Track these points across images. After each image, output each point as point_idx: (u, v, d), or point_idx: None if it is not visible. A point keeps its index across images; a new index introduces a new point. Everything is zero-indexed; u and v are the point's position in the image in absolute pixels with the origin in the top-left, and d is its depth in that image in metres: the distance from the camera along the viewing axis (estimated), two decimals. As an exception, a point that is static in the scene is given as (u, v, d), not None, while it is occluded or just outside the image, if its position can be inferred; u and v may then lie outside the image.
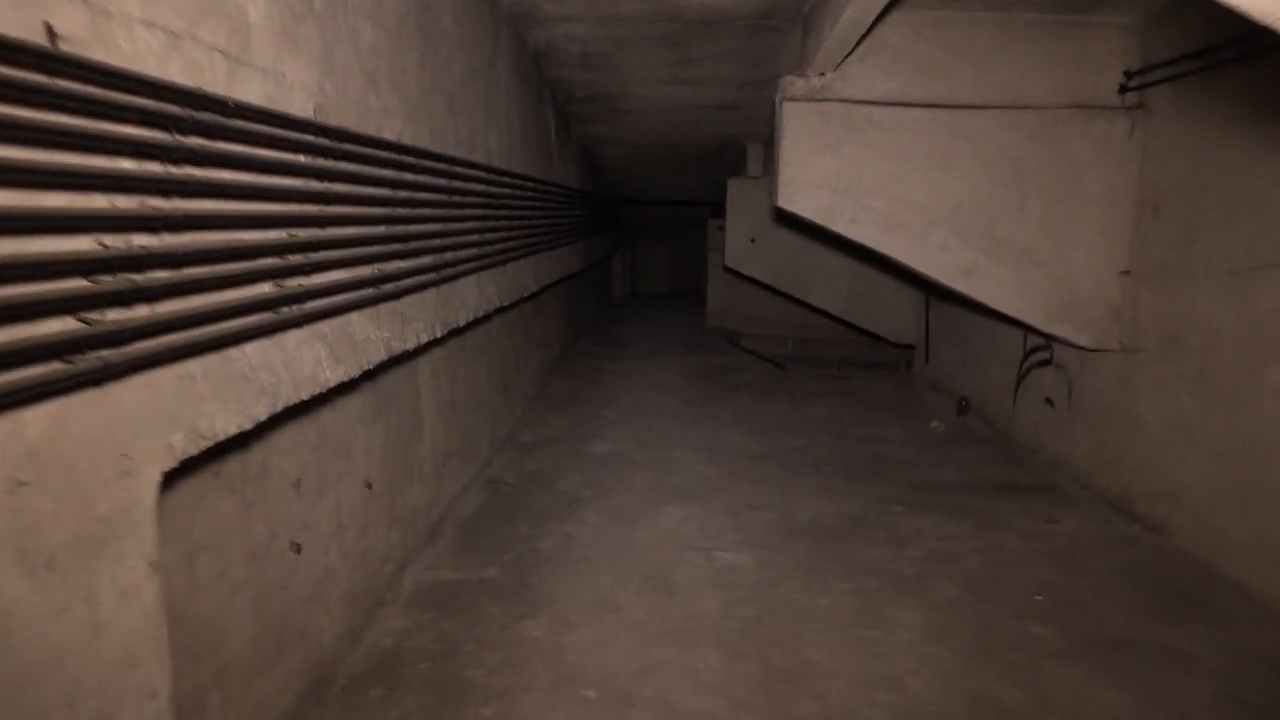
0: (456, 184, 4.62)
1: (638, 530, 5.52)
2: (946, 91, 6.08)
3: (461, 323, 4.88)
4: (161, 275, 1.99)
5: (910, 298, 11.16)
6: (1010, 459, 7.36)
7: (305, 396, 2.84)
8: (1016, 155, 6.09)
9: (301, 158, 2.78)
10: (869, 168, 6.12)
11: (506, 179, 6.02)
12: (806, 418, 8.81)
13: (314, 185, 2.87)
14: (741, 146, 11.88)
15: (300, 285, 2.75)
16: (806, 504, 6.11)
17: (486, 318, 6.10)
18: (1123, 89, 5.97)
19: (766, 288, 12.58)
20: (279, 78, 2.66)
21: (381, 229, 3.56)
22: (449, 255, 4.50)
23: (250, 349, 2.45)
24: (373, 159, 3.42)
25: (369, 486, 4.10)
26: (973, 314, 8.76)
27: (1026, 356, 7.71)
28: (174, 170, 2.05)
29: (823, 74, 6.07)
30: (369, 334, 3.47)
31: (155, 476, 2.02)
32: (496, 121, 5.79)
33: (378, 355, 3.61)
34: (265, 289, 2.55)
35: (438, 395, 5.35)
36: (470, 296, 5.09)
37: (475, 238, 5.16)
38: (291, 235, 2.70)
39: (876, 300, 11.40)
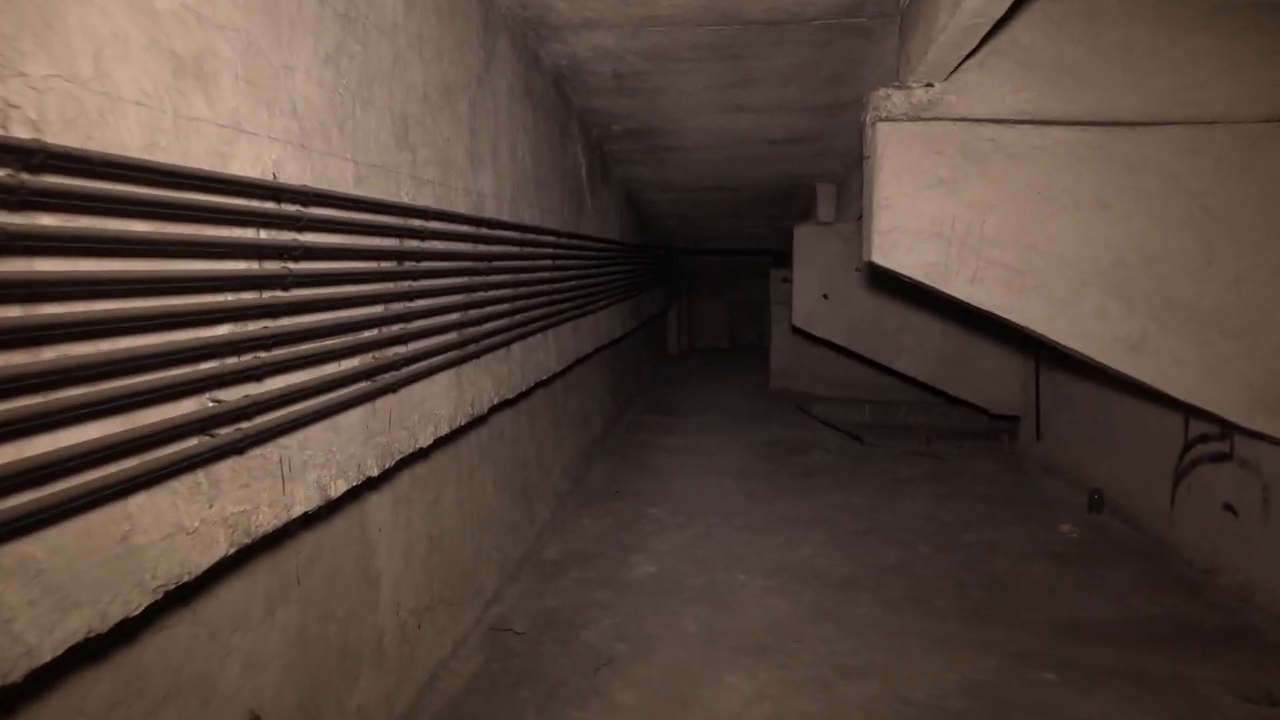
0: (411, 245, 3.16)
1: (688, 723, 3.95)
2: (1100, 105, 4.48)
3: (425, 443, 3.38)
4: None
5: (1015, 361, 9.46)
6: (1178, 583, 5.61)
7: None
8: (1199, 189, 4.46)
9: None
10: (995, 209, 4.53)
11: (508, 233, 4.55)
12: (900, 517, 7.13)
13: None
14: (810, 188, 10.34)
15: None
16: (919, 667, 4.47)
17: (479, 420, 4.60)
18: (1350, 94, 4.33)
19: (839, 347, 10.96)
20: None
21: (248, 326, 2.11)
22: (396, 351, 3.02)
23: None
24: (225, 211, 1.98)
25: (255, 723, 2.60)
26: (1105, 385, 7.05)
27: (1190, 446, 5.97)
28: None
29: (930, 85, 4.53)
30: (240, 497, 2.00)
31: None
32: (490, 158, 4.34)
33: (267, 521, 2.14)
34: None
35: (406, 535, 3.85)
36: (442, 401, 3.59)
37: (454, 317, 3.69)
38: None
39: (973, 364, 9.72)
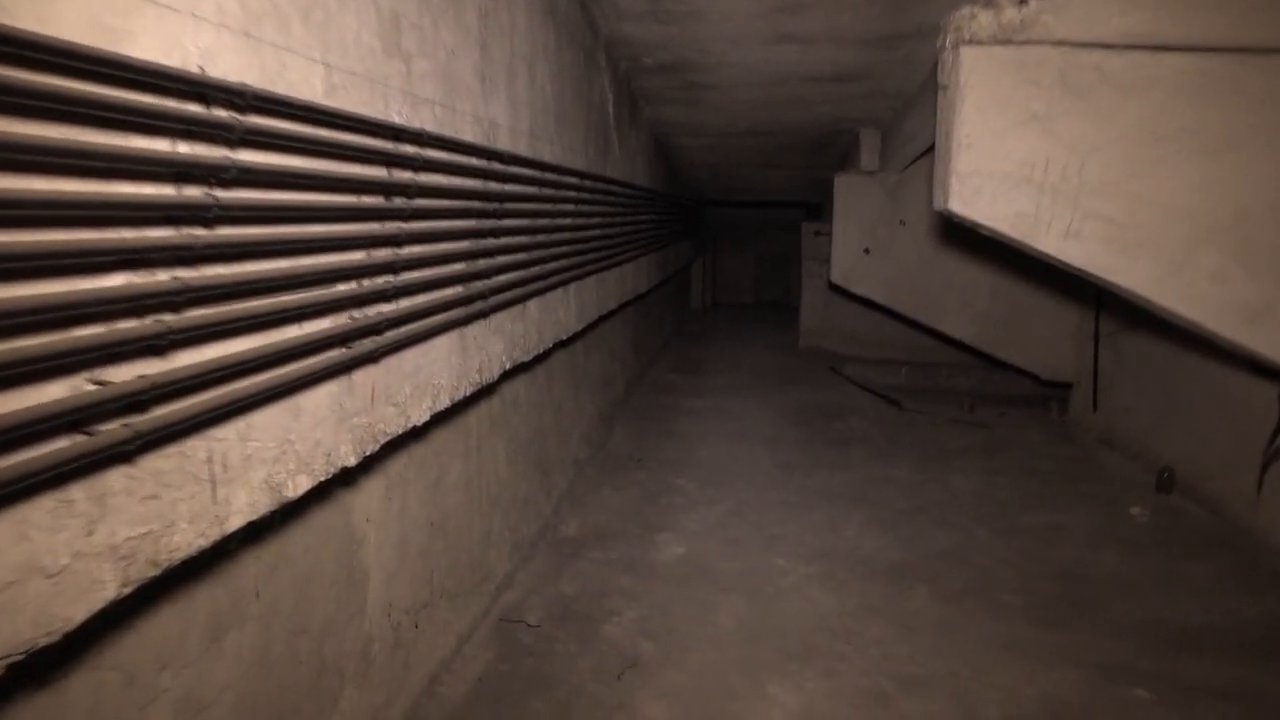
0: (402, 176, 2.53)
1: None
2: (1228, 28, 3.77)
3: (420, 420, 2.78)
4: None
5: (1068, 324, 8.78)
6: (1274, 581, 4.99)
7: None
8: (1342, 129, 3.76)
9: None
10: (1097, 152, 3.85)
11: (526, 170, 3.92)
12: (950, 494, 6.52)
13: None
14: (852, 134, 9.59)
15: None
16: (989, 678, 3.89)
17: (488, 388, 4.00)
18: None
19: (873, 304, 10.27)
20: None
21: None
22: (380, 309, 2.41)
23: None
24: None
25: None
26: (1179, 350, 6.38)
27: (1285, 424, 5.32)
28: None
29: (1024, 1, 3.83)
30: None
31: None
32: (505, 82, 3.69)
33: (188, 542, 1.56)
34: None
35: (401, 523, 3.27)
36: (442, 368, 2.99)
37: (459, 268, 3.07)
38: None
39: (1024, 326, 9.03)
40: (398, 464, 3.22)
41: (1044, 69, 3.85)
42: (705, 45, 6.10)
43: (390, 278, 2.42)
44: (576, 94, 5.15)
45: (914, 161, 8.37)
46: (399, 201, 2.50)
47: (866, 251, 9.45)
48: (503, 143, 3.64)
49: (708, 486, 6.57)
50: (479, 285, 3.21)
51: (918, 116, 6.97)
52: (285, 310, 1.92)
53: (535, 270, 4.09)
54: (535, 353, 4.23)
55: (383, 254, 2.41)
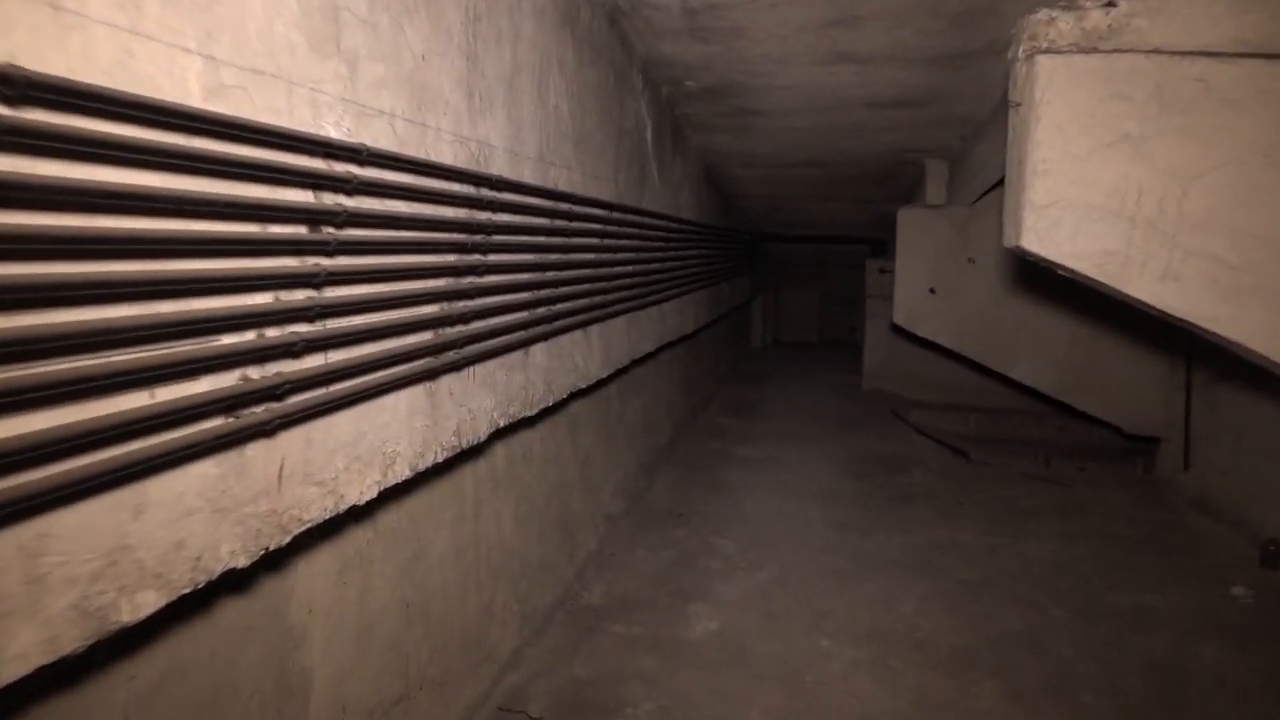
0: (332, 202, 2.05)
1: None
2: (1362, 30, 3.15)
3: (358, 498, 2.28)
4: None
5: (1156, 372, 8.02)
6: None
7: None
8: None
9: None
10: (1201, 179, 3.24)
11: (529, 199, 3.44)
12: (1023, 563, 5.83)
13: None
14: (917, 166, 8.99)
15: None
16: (1072, 810, 3.24)
17: (476, 449, 3.50)
18: None
19: (941, 346, 9.58)
20: None
21: None
22: (294, 367, 1.93)
23: None
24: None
25: None
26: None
27: None
28: None
29: (1111, 3, 3.26)
30: None
31: None
32: (503, 98, 3.21)
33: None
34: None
35: (361, 609, 2.77)
36: (399, 431, 2.49)
37: (430, 311, 2.59)
38: None
39: (1105, 374, 8.28)
40: (356, 540, 2.73)
41: (1136, 81, 3.26)
42: (751, 66, 5.60)
43: (304, 327, 1.93)
44: (604, 117, 4.68)
45: (984, 194, 7.75)
46: (327, 231, 2.02)
47: (932, 291, 8.79)
48: (498, 167, 3.16)
49: (751, 548, 5.98)
50: (453, 332, 2.72)
51: (988, 145, 6.37)
52: (138, 369, 1.45)
53: (541, 312, 3.60)
54: (542, 405, 3.72)
55: (297, 297, 1.93)
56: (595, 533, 5.71)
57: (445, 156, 2.73)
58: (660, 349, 6.99)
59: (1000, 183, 7.11)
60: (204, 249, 1.67)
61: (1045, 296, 8.34)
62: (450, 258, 2.73)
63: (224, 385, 1.72)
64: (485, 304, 2.96)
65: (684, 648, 4.48)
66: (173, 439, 1.57)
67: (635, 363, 6.11)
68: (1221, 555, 6.02)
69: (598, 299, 4.48)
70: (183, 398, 1.60)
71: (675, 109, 6.72)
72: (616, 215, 4.78)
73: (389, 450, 2.40)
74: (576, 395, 4.61)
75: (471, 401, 2.95)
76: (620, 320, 5.10)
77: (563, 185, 3.93)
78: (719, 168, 9.34)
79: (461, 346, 2.76)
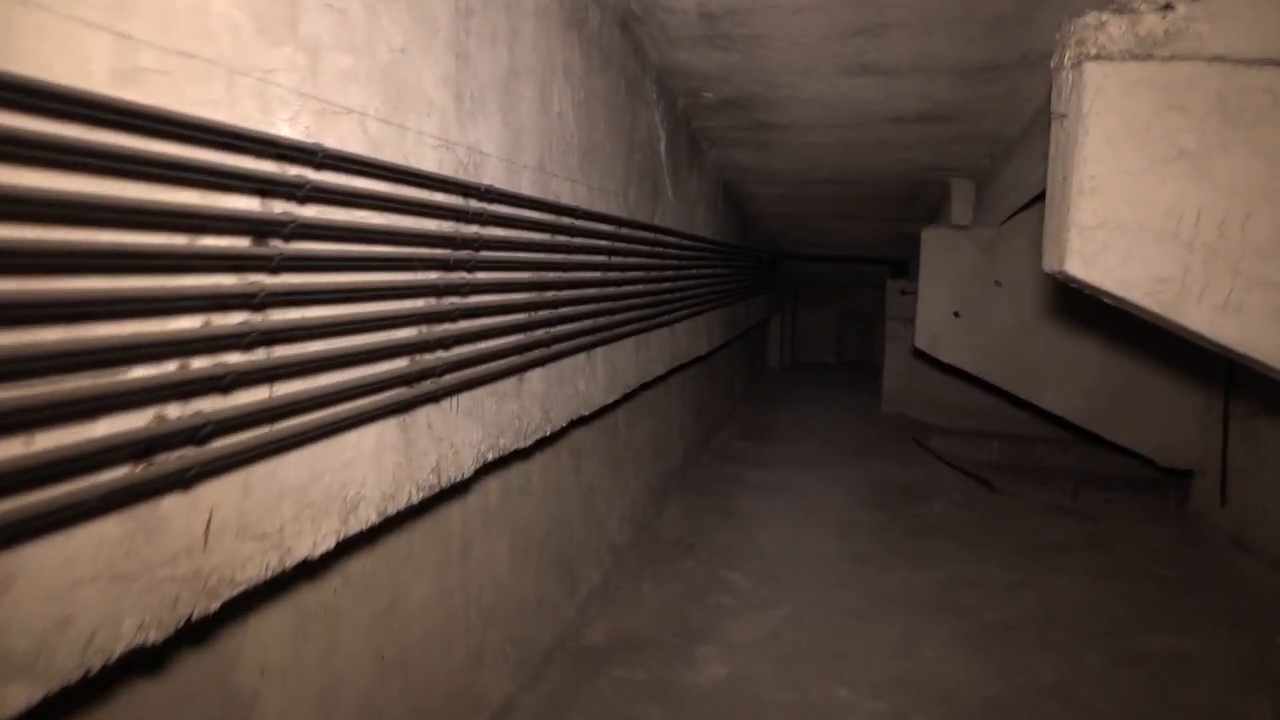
0: (282, 211, 1.78)
1: None
2: None
3: (309, 551, 1.99)
4: None
5: (1193, 403, 7.65)
6: None
7: None
8: None
9: None
10: (1268, 199, 2.92)
11: (526, 212, 3.16)
12: (1054, 603, 5.48)
13: None
14: (941, 185, 8.68)
15: None
16: None
17: (460, 486, 3.22)
18: None
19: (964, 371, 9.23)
20: None
21: None
22: (228, 403, 1.65)
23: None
24: None
25: None
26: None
27: None
28: None
29: (1168, 6, 2.95)
30: None
31: None
32: (498, 101, 2.93)
33: None
34: None
35: (326, 673, 2.48)
36: (365, 470, 2.20)
37: (407, 335, 2.31)
38: None
39: (1138, 404, 7.92)
40: (321, 591, 2.44)
41: (1195, 92, 2.95)
42: (772, 77, 5.32)
43: (237, 356, 1.65)
44: (613, 127, 4.40)
45: (1013, 215, 7.43)
46: (274, 244, 1.74)
47: (956, 315, 8.46)
48: (491, 176, 2.89)
49: (764, 583, 5.66)
50: (431, 358, 2.44)
51: (1019, 165, 6.06)
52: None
53: (539, 335, 3.31)
54: (539, 435, 3.43)
55: (230, 321, 1.64)
56: (600, 566, 5.40)
57: (428, 163, 2.45)
58: (672, 371, 6.69)
59: (1031, 203, 6.81)
60: (104, 263, 1.38)
61: (1075, 322, 8.00)
62: (431, 275, 2.45)
63: (130, 427, 1.43)
64: (471, 327, 2.68)
65: (690, 695, 4.16)
66: (54, 495, 1.28)
67: (644, 386, 5.82)
68: (1263, 598, 5.65)
69: (603, 320, 4.19)
70: (70, 445, 1.31)
71: (692, 122, 6.45)
72: (626, 232, 4.50)
73: (351, 494, 2.11)
74: (579, 422, 4.32)
75: (455, 435, 2.66)
76: (628, 342, 4.81)
77: (566, 198, 3.65)
78: (737, 184, 9.05)
79: (440, 375, 2.47)
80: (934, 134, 6.57)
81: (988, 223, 8.04)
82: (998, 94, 5.43)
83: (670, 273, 5.73)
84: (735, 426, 11.43)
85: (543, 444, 3.98)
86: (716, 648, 4.68)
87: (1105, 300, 3.18)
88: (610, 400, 4.54)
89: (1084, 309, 8.04)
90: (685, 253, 6.11)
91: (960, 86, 5.34)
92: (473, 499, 3.43)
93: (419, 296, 2.40)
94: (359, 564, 2.63)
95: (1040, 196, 6.30)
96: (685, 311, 6.44)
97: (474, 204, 2.66)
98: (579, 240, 3.73)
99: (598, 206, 4.11)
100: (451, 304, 2.54)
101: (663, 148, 5.54)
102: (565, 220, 3.55)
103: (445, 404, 2.56)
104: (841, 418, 12.56)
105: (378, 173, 2.11)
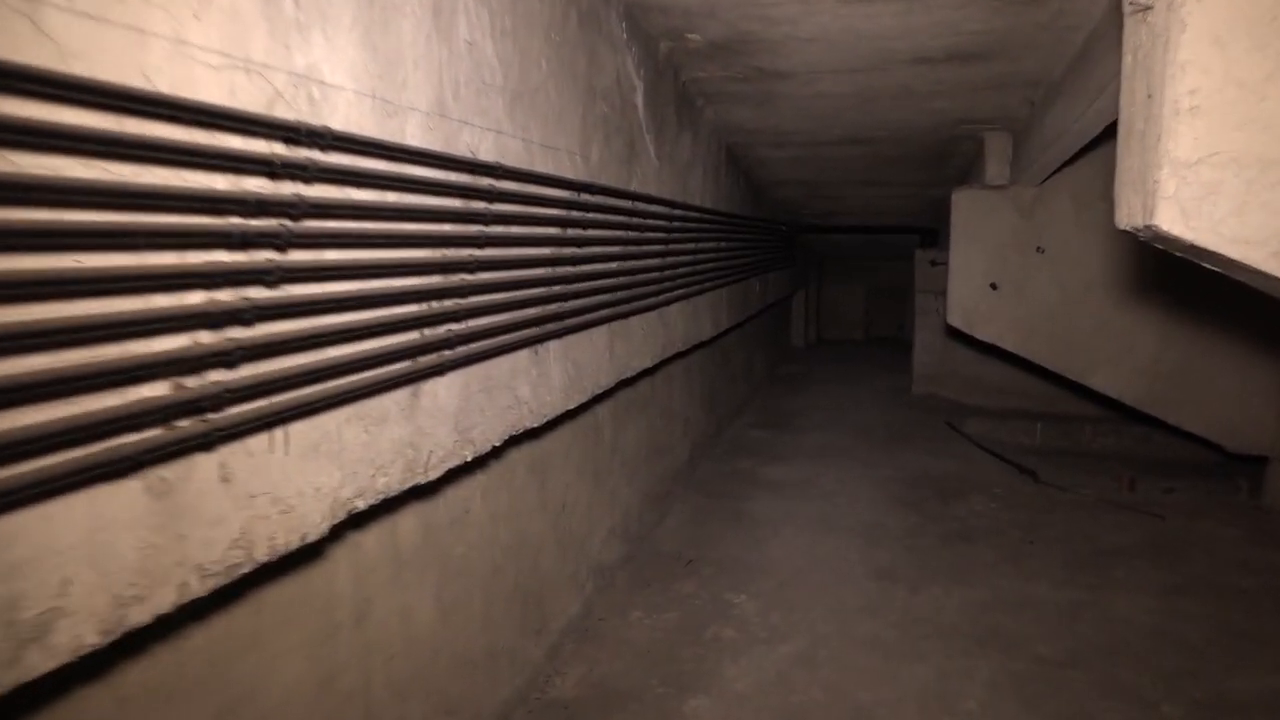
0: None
1: None
2: None
3: (74, 648, 1.20)
4: None
5: (1265, 379, 6.73)
6: None
7: None
8: None
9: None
10: None
11: (413, 167, 2.34)
12: (1116, 630, 4.63)
13: None
14: (975, 141, 7.74)
15: None
16: None
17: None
18: None
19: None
20: None
21: None
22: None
23: None
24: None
25: None
26: None
27: None
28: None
29: None
30: None
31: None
32: (348, 6, 2.10)
33: None
34: None
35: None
36: (125, 557, 1.40)
37: (173, 344, 1.50)
38: None
39: (1203, 383, 7.00)
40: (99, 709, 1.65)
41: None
42: (767, 10, 4.44)
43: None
44: (563, 69, 3.56)
45: (1057, 171, 6.52)
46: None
47: (993, 286, 7.55)
48: (342, 118, 2.06)
49: (774, 608, 4.84)
50: (228, 378, 1.63)
51: (1066, 108, 5.15)
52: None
53: (440, 334, 2.50)
54: (447, 466, 2.62)
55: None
56: (578, 593, 4.60)
57: (209, 91, 1.63)
58: (667, 360, 5.87)
59: (1077, 157, 5.88)
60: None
61: (1130, 292, 7.08)
62: (220, 256, 1.64)
63: None
64: (297, 329, 1.86)
65: (673, 771, 3.37)
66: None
67: (630, 380, 5.00)
68: (1371, 618, 4.77)
69: (554, 308, 3.37)
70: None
71: (680, 73, 5.58)
72: (587, 199, 3.67)
73: (125, 593, 1.32)
74: (530, 435, 3.51)
75: (288, 484, 1.86)
76: (597, 332, 3.99)
77: (487, 154, 2.82)
78: (742, 148, 8.15)
79: (235, 401, 1.66)
80: (964, 77, 5.66)
81: (1027, 181, 7.11)
82: (1040, 21, 4.53)
83: (656, 247, 4.89)
84: (753, 414, 10.59)
85: (477, 465, 3.18)
86: (711, 700, 3.87)
87: (1205, 265, 2.32)
88: (573, 405, 3.72)
89: (1139, 276, 7.12)
90: (675, 224, 5.26)
91: (995, 13, 4.43)
92: (371, 547, 2.64)
93: (197, 288, 1.59)
94: (195, 638, 1.85)
95: (1090, 146, 5.38)
96: (680, 292, 5.60)
97: (301, 152, 1.84)
98: (508, 208, 2.91)
99: (540, 166, 3.28)
100: (267, 297, 1.73)
101: (640, 100, 4.69)
102: (484, 182, 2.72)
103: (251, 443, 1.75)
104: (869, 400, 11.69)
105: (87, 99, 1.30)
